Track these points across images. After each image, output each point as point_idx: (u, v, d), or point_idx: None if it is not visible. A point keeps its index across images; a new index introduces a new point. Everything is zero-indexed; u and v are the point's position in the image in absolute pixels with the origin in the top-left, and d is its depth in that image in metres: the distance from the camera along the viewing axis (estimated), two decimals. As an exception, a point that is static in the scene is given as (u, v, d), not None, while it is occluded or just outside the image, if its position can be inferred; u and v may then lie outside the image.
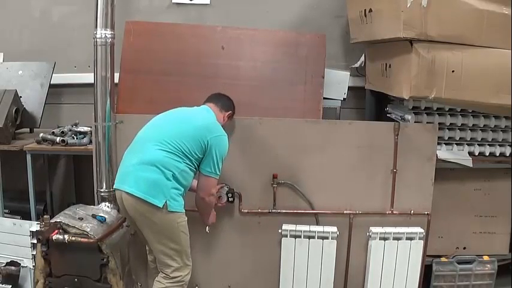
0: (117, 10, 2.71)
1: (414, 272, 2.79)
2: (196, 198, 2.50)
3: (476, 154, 3.06)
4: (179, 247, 2.39)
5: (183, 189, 2.38)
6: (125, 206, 2.37)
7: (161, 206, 2.27)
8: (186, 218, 2.41)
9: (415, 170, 2.89)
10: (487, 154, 3.06)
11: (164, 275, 2.41)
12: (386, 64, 2.83)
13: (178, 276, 2.40)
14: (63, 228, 2.38)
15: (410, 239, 2.76)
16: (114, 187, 2.46)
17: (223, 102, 2.63)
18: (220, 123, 2.53)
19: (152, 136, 2.40)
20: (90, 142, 3.02)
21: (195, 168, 2.43)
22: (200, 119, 2.48)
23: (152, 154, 2.33)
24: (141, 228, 2.39)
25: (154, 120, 2.51)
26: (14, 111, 3.12)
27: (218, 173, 2.44)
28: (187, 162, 2.37)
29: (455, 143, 3.05)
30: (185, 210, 2.41)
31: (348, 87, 3.36)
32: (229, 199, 2.77)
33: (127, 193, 2.33)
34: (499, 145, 3.08)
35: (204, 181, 2.44)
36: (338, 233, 2.75)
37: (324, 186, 2.89)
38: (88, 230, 2.38)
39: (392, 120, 3.11)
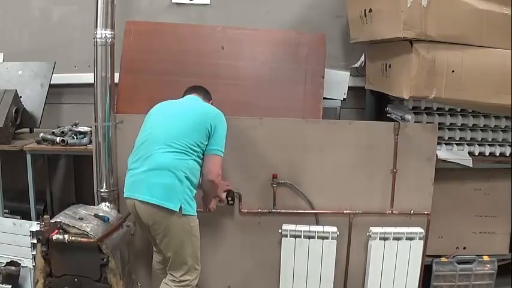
0: (117, 10, 2.71)
1: (414, 272, 2.78)
2: (204, 182, 2.45)
3: (476, 154, 3.06)
4: (191, 250, 2.39)
5: (195, 191, 2.39)
6: (139, 213, 2.36)
7: (177, 210, 2.28)
8: (198, 222, 2.42)
9: (415, 170, 2.89)
10: (487, 154, 3.06)
11: (173, 277, 2.41)
12: (386, 64, 2.83)
13: (186, 280, 2.40)
14: (63, 228, 2.38)
15: (410, 239, 2.76)
16: (124, 196, 2.44)
17: (204, 92, 2.66)
18: None
19: (156, 138, 2.38)
20: (90, 142, 3.01)
21: (202, 159, 2.43)
22: (196, 107, 2.51)
23: (161, 158, 2.32)
24: (154, 233, 2.38)
25: (151, 120, 2.49)
26: (14, 111, 3.12)
27: (224, 151, 2.43)
28: (195, 156, 2.37)
29: (455, 143, 3.05)
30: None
31: (348, 87, 3.35)
32: (229, 202, 2.78)
33: (140, 201, 2.32)
34: (499, 145, 3.08)
35: (212, 161, 2.41)
36: (338, 233, 2.75)
37: (324, 186, 2.89)
38: (88, 230, 2.38)
39: (392, 120, 3.11)
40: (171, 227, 2.32)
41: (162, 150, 2.33)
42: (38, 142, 3.06)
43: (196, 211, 2.40)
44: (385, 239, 2.76)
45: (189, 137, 2.36)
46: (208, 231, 2.88)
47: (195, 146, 2.36)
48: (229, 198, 2.77)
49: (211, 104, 2.66)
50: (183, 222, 2.33)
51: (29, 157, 3.03)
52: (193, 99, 2.59)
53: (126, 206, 2.46)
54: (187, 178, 2.33)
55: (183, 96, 2.64)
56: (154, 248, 2.62)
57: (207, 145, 2.41)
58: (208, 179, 2.42)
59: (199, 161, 2.41)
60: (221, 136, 2.43)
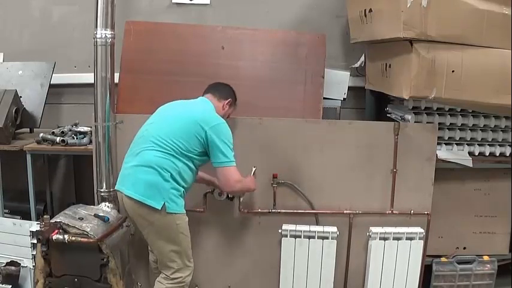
0: (117, 10, 2.71)
1: (414, 272, 2.78)
2: (224, 190, 2.56)
3: (476, 154, 3.06)
4: (179, 248, 2.38)
5: (182, 190, 2.37)
6: (125, 207, 2.39)
7: (159, 208, 2.27)
8: (187, 219, 2.41)
9: (415, 170, 2.89)
10: (487, 154, 3.06)
11: (165, 275, 2.41)
12: (386, 64, 2.83)
13: (179, 278, 2.40)
14: (63, 228, 2.38)
15: (410, 239, 2.76)
16: (115, 188, 2.47)
17: (221, 90, 2.58)
18: (220, 112, 2.50)
19: (150, 136, 2.39)
20: (90, 142, 3.01)
21: (197, 164, 2.42)
22: (196, 112, 2.43)
23: (149, 155, 2.33)
24: (141, 229, 2.40)
25: (152, 118, 2.50)
26: (14, 111, 3.12)
27: (232, 159, 2.37)
28: (185, 160, 2.35)
29: (455, 143, 3.05)
30: (185, 210, 2.40)
31: (348, 87, 3.35)
32: (229, 196, 2.76)
33: (126, 195, 2.34)
34: (499, 145, 3.08)
35: (221, 174, 2.38)
36: (338, 233, 2.75)
37: (324, 186, 2.89)
38: (88, 230, 2.38)
39: (392, 120, 3.11)
40: (155, 225, 2.32)
41: (150, 148, 2.34)
42: (38, 142, 3.06)
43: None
44: (385, 239, 2.76)
45: (179, 140, 2.34)
46: (208, 231, 2.89)
47: (185, 151, 2.34)
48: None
49: (229, 102, 2.57)
50: (168, 220, 2.32)
51: (29, 157, 3.03)
52: (204, 103, 2.52)
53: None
54: (173, 179, 2.31)
55: (202, 94, 2.59)
56: (149, 247, 2.62)
57: (202, 152, 2.39)
58: (226, 190, 2.54)
59: (192, 166, 2.39)
60: (222, 146, 2.34)
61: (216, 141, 2.34)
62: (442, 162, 2.93)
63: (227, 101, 2.57)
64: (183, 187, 2.37)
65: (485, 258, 3.07)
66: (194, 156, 2.37)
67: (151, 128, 2.43)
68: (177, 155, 2.33)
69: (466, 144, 3.06)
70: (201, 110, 2.46)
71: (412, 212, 2.91)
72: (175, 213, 2.33)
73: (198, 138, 2.35)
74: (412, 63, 2.49)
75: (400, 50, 2.60)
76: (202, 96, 2.58)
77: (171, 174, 2.31)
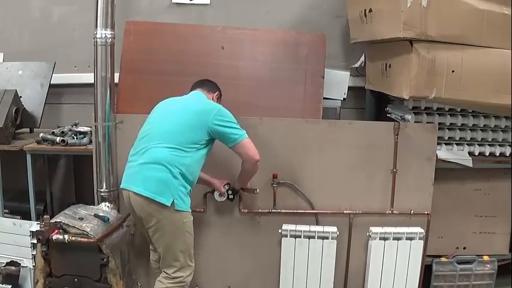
0: (117, 10, 2.71)
1: (414, 272, 2.78)
2: (250, 166, 2.49)
3: (476, 154, 3.06)
4: (183, 247, 2.39)
5: (190, 187, 2.40)
6: (133, 205, 2.38)
7: (169, 205, 2.29)
8: (192, 218, 2.43)
9: (415, 170, 2.89)
10: (487, 154, 3.06)
11: (166, 274, 2.42)
12: (386, 64, 2.83)
13: (180, 277, 2.41)
14: (63, 228, 2.38)
15: (410, 239, 2.76)
16: (121, 187, 2.47)
17: (209, 85, 2.68)
18: None
19: (155, 133, 2.41)
20: (90, 142, 3.01)
21: (202, 156, 2.44)
22: (195, 104, 2.51)
23: (157, 152, 2.34)
24: (147, 227, 2.40)
25: (153, 116, 2.52)
26: (14, 111, 3.12)
27: (244, 131, 2.44)
28: (193, 153, 2.38)
29: (455, 143, 3.05)
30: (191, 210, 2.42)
31: (348, 87, 3.35)
32: (230, 196, 2.77)
33: (134, 193, 2.34)
34: (499, 145, 3.08)
35: (242, 149, 2.43)
36: (338, 233, 2.75)
37: (324, 186, 2.89)
38: (88, 230, 2.38)
39: (392, 120, 3.11)
40: (163, 222, 2.33)
41: (159, 145, 2.36)
42: (38, 142, 3.06)
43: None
44: (385, 239, 2.76)
45: (187, 134, 2.37)
46: (208, 231, 2.89)
47: (193, 143, 2.38)
48: (230, 192, 2.74)
49: (217, 95, 2.68)
50: (176, 218, 2.34)
51: (29, 157, 3.03)
52: (197, 95, 2.61)
53: (123, 198, 2.47)
54: (182, 175, 2.34)
55: (190, 91, 2.66)
56: (150, 247, 2.62)
57: (209, 140, 2.43)
58: (256, 160, 2.45)
59: (198, 158, 2.41)
60: (230, 126, 2.42)
61: (223, 124, 2.41)
62: (442, 162, 2.93)
63: (215, 94, 2.68)
64: (190, 184, 2.39)
65: (485, 258, 3.07)
66: (201, 146, 2.40)
67: (155, 126, 2.46)
68: (184, 149, 2.36)
69: (466, 144, 3.06)
70: (198, 102, 2.54)
71: (412, 212, 2.91)
72: (183, 211, 2.35)
73: (204, 128, 2.40)
74: (412, 63, 2.50)
75: (400, 50, 2.60)
76: (192, 91, 2.65)
77: (180, 171, 2.33)
